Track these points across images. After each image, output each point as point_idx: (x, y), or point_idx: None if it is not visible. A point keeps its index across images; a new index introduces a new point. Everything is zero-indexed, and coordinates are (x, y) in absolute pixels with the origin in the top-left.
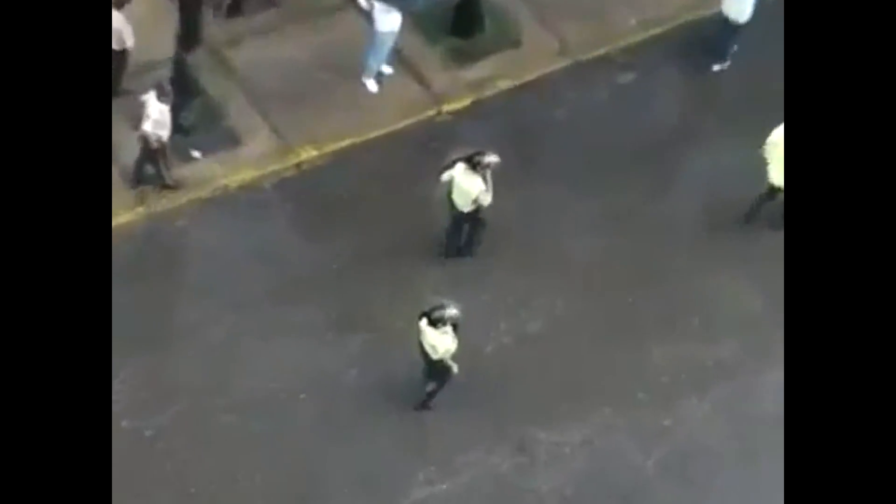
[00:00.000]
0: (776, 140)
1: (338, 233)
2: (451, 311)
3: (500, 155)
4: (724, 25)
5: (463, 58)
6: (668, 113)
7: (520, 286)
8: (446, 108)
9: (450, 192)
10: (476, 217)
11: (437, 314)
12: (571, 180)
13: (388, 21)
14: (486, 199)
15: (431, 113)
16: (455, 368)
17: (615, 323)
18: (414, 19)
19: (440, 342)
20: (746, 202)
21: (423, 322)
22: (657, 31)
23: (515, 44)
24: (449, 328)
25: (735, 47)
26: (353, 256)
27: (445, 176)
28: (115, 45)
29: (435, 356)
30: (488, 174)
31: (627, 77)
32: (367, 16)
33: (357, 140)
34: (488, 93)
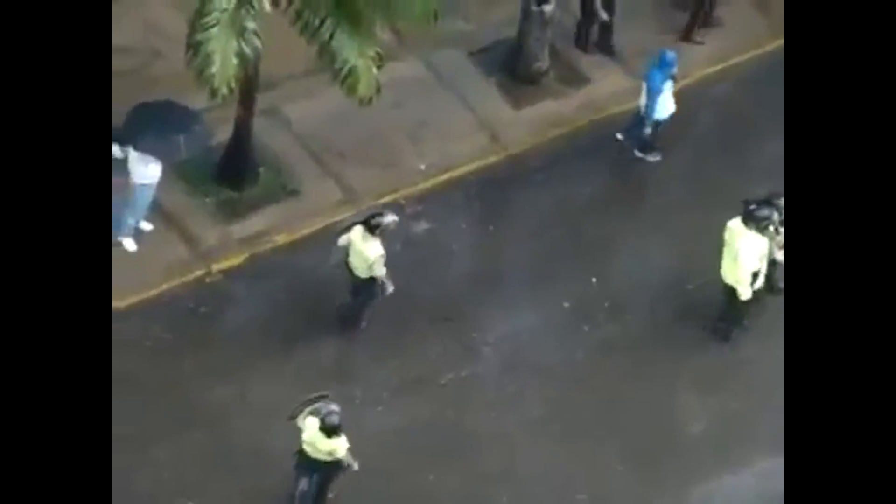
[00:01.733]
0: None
1: None
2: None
3: (281, 317)
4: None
5: (234, 211)
6: (465, 261)
7: None
8: (217, 267)
9: (347, 257)
10: (371, 286)
11: (331, 421)
12: (366, 342)
13: (147, 171)
14: (380, 270)
15: (200, 273)
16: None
17: None
18: (176, 169)
19: (339, 445)
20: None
21: (312, 428)
22: (447, 176)
23: (293, 193)
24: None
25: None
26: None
27: (342, 240)
28: None
29: (331, 459)
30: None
31: (420, 226)
32: (121, 165)
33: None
34: (264, 248)
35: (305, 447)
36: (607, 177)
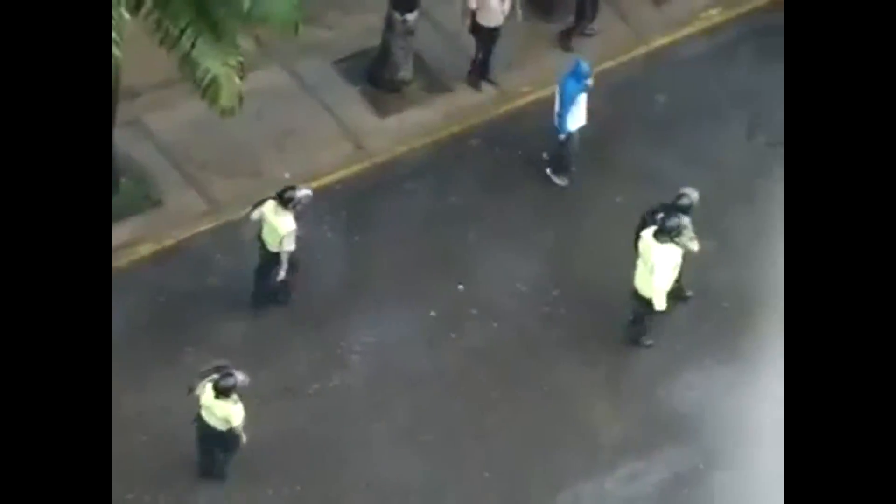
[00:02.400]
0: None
1: None
2: (241, 378)
3: (144, 328)
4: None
5: None
6: (331, 271)
7: None
8: None
9: (259, 232)
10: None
11: (226, 383)
12: (232, 353)
13: None
14: (290, 245)
15: None
16: (244, 439)
17: None
18: None
19: (235, 412)
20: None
21: (208, 392)
22: (312, 185)
23: (156, 204)
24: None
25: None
26: None
27: (255, 214)
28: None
29: (226, 427)
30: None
31: None
32: None
33: None
34: (127, 259)
35: (203, 413)
36: (472, 185)
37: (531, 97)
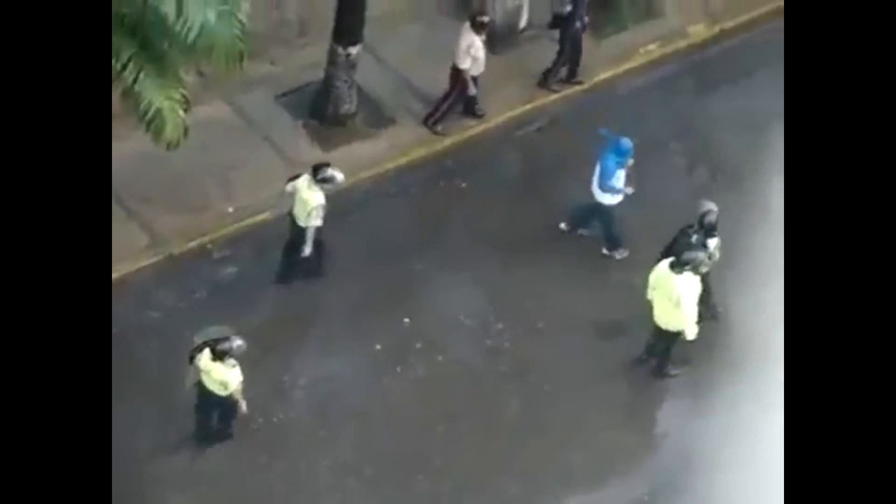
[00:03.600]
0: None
1: None
2: (238, 343)
3: None
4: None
5: None
6: (274, 305)
7: None
8: None
9: (292, 207)
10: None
11: (223, 346)
12: (177, 388)
13: None
14: (317, 220)
15: None
16: (244, 406)
17: None
18: None
19: (231, 376)
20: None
21: (206, 357)
22: (257, 219)
23: None
24: (236, 361)
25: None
26: None
27: (289, 187)
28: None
29: (225, 392)
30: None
31: (228, 270)
32: None
33: None
34: None
35: (202, 377)
36: (417, 217)
37: (475, 131)
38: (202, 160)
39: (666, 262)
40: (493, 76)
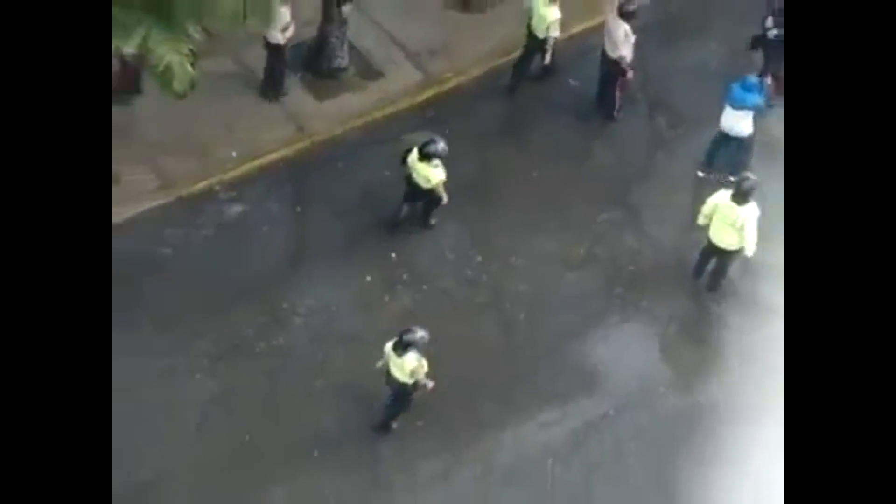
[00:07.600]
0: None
1: None
2: (441, 146)
3: None
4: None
5: None
6: (276, 241)
7: None
8: None
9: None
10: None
11: (428, 149)
12: (184, 317)
13: None
14: (555, 32)
15: None
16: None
17: None
18: None
19: (435, 174)
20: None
21: (414, 156)
22: (258, 163)
23: (115, 181)
24: (440, 162)
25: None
26: None
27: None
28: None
29: (428, 186)
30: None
31: (234, 209)
32: None
33: None
34: None
35: (413, 174)
36: (401, 163)
37: (454, 82)
38: (208, 109)
39: (724, 194)
40: (470, 32)
